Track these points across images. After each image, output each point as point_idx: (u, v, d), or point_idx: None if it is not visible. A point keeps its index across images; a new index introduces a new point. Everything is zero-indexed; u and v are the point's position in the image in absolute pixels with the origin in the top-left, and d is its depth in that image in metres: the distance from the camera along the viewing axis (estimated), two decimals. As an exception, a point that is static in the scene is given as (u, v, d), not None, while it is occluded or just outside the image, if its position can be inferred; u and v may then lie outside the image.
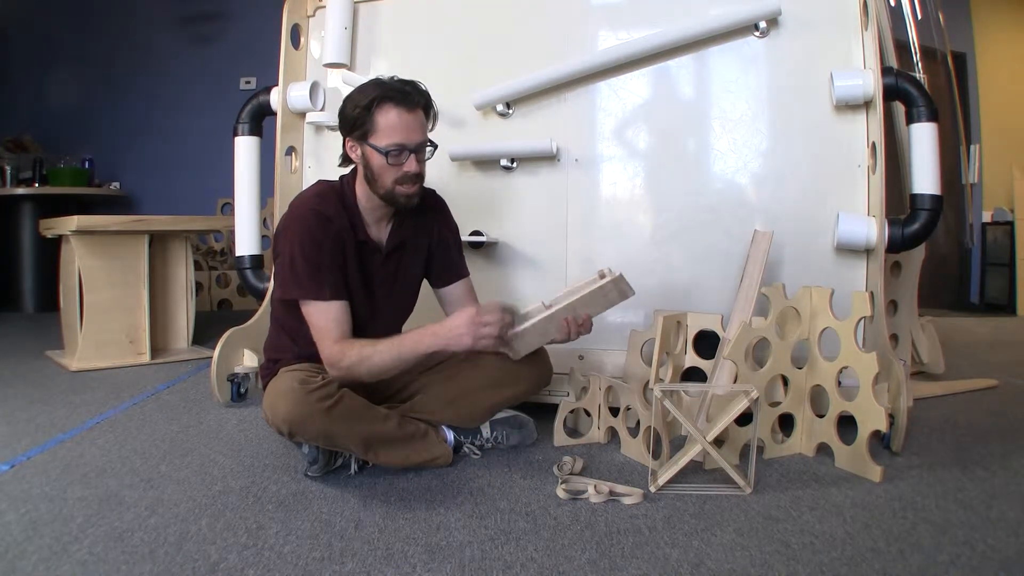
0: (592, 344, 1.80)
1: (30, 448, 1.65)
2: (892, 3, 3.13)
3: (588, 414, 1.74)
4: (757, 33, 1.87)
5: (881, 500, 1.35)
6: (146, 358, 2.70)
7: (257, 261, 2.30)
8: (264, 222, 2.90)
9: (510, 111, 2.06)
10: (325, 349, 1.43)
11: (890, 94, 1.79)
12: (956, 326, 3.83)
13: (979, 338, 3.49)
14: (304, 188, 1.83)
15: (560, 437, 1.69)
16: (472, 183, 2.11)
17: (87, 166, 4.70)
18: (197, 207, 4.12)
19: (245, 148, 2.28)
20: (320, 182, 1.59)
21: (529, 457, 1.61)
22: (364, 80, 1.56)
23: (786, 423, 1.65)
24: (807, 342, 1.62)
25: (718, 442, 1.45)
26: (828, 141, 1.84)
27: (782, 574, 1.07)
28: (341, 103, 1.50)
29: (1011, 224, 4.63)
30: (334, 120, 2.11)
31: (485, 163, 2.09)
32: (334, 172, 1.59)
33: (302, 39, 2.30)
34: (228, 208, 4.31)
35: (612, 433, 1.71)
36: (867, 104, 1.79)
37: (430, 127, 1.53)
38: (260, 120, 2.31)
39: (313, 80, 2.20)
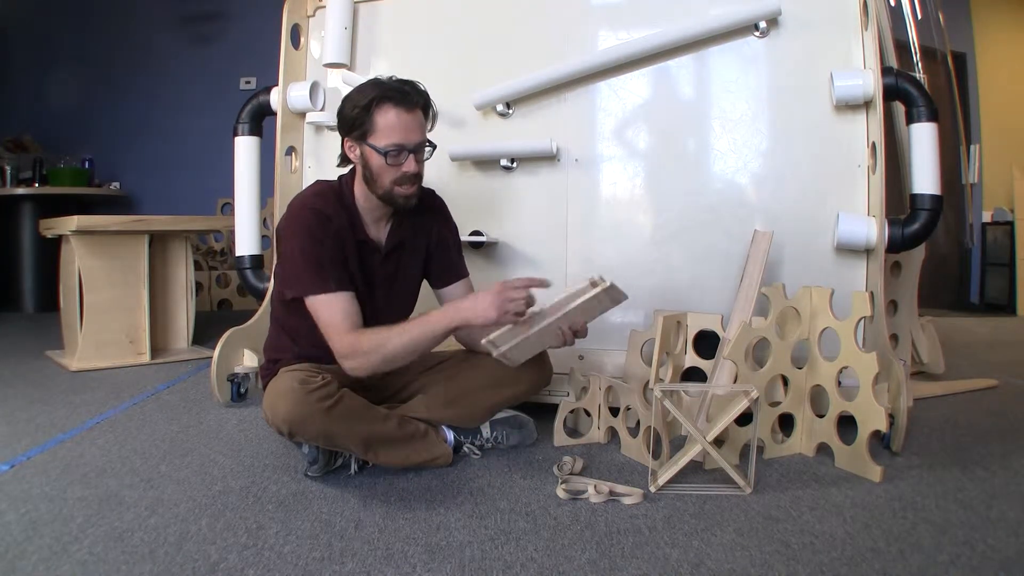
0: (592, 344, 1.80)
1: (30, 448, 1.65)
2: (892, 3, 3.13)
3: (588, 414, 1.74)
4: (757, 33, 1.87)
5: (881, 500, 1.35)
6: (146, 358, 2.70)
7: (257, 261, 2.30)
8: (264, 222, 2.90)
9: (510, 111, 2.06)
10: (338, 341, 1.41)
11: (890, 94, 1.79)
12: (956, 326, 3.83)
13: (979, 338, 3.49)
14: (303, 188, 1.83)
15: (560, 437, 1.69)
16: (472, 183, 2.11)
17: (87, 166, 4.70)
18: (197, 207, 4.12)
19: (245, 148, 2.28)
20: (318, 182, 1.59)
21: (529, 457, 1.61)
22: (364, 80, 1.56)
23: (786, 423, 1.65)
24: (807, 342, 1.62)
25: (718, 442, 1.45)
26: (828, 141, 1.84)
27: (782, 574, 1.07)
28: (340, 103, 1.50)
29: (1011, 224, 4.63)
30: (334, 120, 2.10)
31: (485, 163, 2.09)
32: (334, 172, 1.59)
33: (302, 39, 2.30)
34: (228, 208, 4.31)
35: (612, 433, 1.71)
36: (867, 104, 1.79)
37: (429, 127, 1.52)
38: (260, 120, 2.31)
39: (313, 80, 2.20)
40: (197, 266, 3.92)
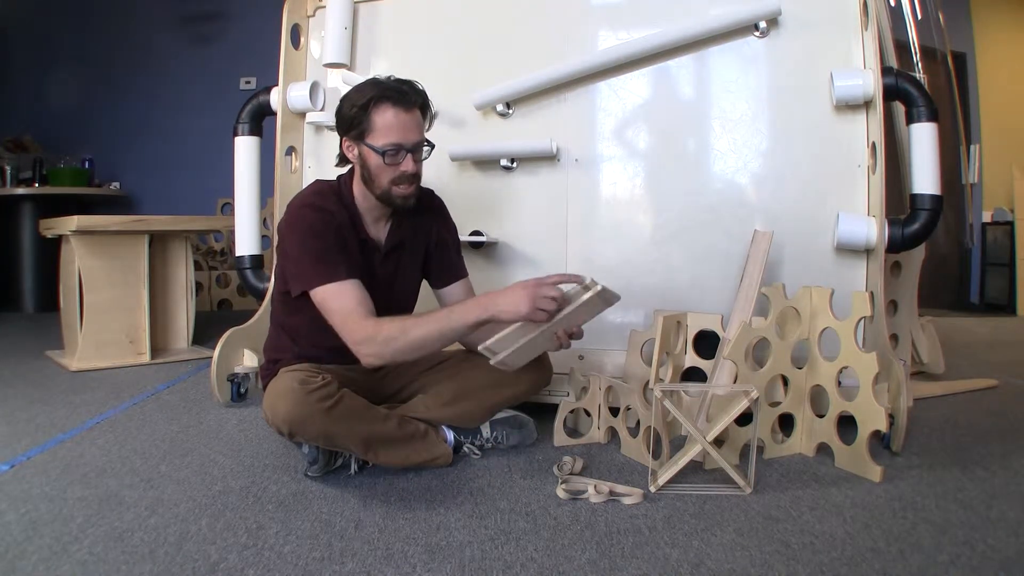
0: (592, 344, 1.80)
1: (30, 448, 1.65)
2: (892, 3, 3.13)
3: (588, 414, 1.74)
4: (757, 33, 1.87)
5: (881, 500, 1.35)
6: (146, 358, 2.70)
7: (257, 261, 2.30)
8: (264, 222, 2.90)
9: (510, 111, 2.06)
10: (353, 329, 1.37)
11: (890, 94, 1.79)
12: (956, 326, 3.83)
13: (979, 338, 3.49)
14: (302, 188, 1.83)
15: (560, 437, 1.69)
16: (472, 183, 2.11)
17: (87, 166, 4.70)
18: (197, 207, 4.12)
19: (245, 148, 2.28)
20: (317, 182, 1.59)
21: (529, 457, 1.61)
22: (364, 80, 1.56)
23: (786, 423, 1.65)
24: (807, 342, 1.62)
25: (718, 442, 1.45)
26: (828, 141, 1.84)
27: (782, 574, 1.07)
28: (338, 103, 1.50)
29: (1011, 224, 4.63)
30: (334, 120, 2.11)
31: (485, 163, 2.09)
32: (334, 172, 1.59)
33: (302, 39, 2.30)
34: (228, 208, 4.31)
35: (612, 433, 1.71)
36: (867, 104, 1.79)
37: (427, 127, 1.52)
38: (260, 120, 2.31)
39: (313, 80, 2.20)
40: (197, 266, 3.92)
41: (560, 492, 1.37)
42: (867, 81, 1.74)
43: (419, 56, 2.18)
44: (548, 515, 1.29)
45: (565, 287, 1.38)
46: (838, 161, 1.84)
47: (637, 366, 1.80)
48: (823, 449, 1.60)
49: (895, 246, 1.81)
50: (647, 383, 1.69)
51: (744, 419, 1.46)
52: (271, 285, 1.93)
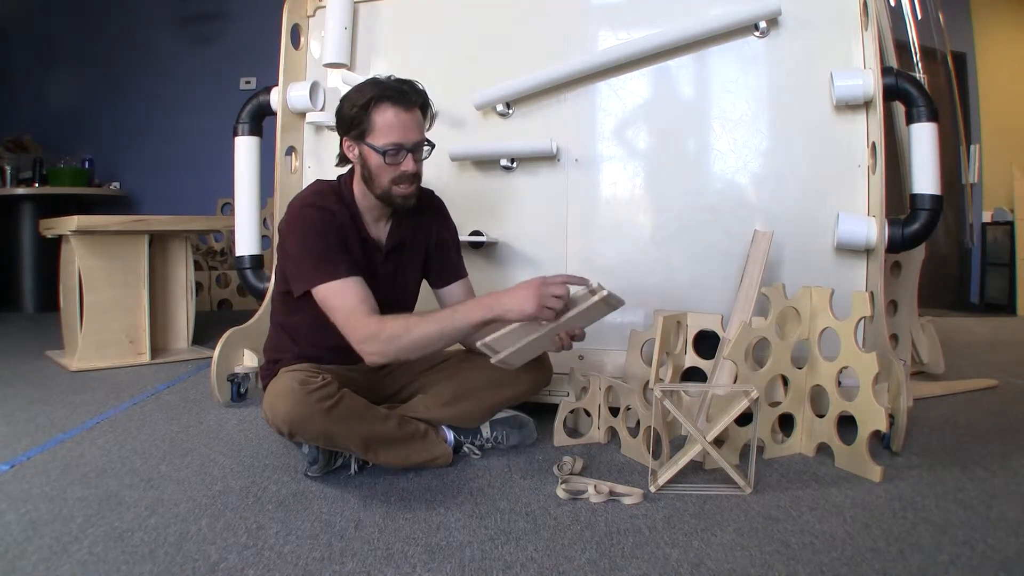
0: (592, 344, 1.80)
1: (30, 448, 1.65)
2: (892, 3, 3.13)
3: (588, 414, 1.74)
4: (757, 33, 1.87)
5: (881, 500, 1.35)
6: (146, 358, 2.70)
7: (257, 261, 2.30)
8: (264, 222, 2.90)
9: (510, 111, 2.06)
10: (357, 327, 1.37)
11: (890, 94, 1.79)
12: (956, 326, 3.83)
13: (979, 338, 3.49)
14: (302, 188, 1.83)
15: (560, 437, 1.69)
16: (472, 183, 2.11)
17: (87, 166, 4.70)
18: (197, 207, 4.12)
19: (245, 148, 2.28)
20: (317, 182, 1.59)
21: (529, 457, 1.61)
22: (363, 80, 1.56)
23: (786, 423, 1.65)
24: (807, 342, 1.62)
25: (718, 442, 1.45)
26: (828, 141, 1.84)
27: (782, 574, 1.07)
28: (339, 102, 1.50)
29: (1011, 224, 4.63)
30: (334, 120, 2.11)
31: (485, 163, 2.09)
32: (334, 172, 1.59)
33: (302, 39, 2.30)
34: (228, 208, 4.31)
35: (612, 433, 1.71)
36: (867, 104, 1.79)
37: (427, 127, 1.52)
38: (260, 120, 2.31)
39: (313, 80, 2.20)
40: (197, 266, 3.92)
41: (560, 492, 1.37)
42: (867, 81, 1.74)
43: (419, 56, 2.18)
44: (548, 515, 1.29)
45: (572, 289, 1.38)
46: (838, 161, 1.84)
47: (637, 366, 1.80)
48: (823, 449, 1.60)
49: (895, 246, 1.81)
50: (647, 383, 1.69)
51: (744, 419, 1.46)
52: (271, 285, 1.93)
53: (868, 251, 1.80)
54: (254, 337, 2.12)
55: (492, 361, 1.42)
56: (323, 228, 1.44)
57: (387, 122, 1.43)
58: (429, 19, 2.18)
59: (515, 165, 2.06)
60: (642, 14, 1.98)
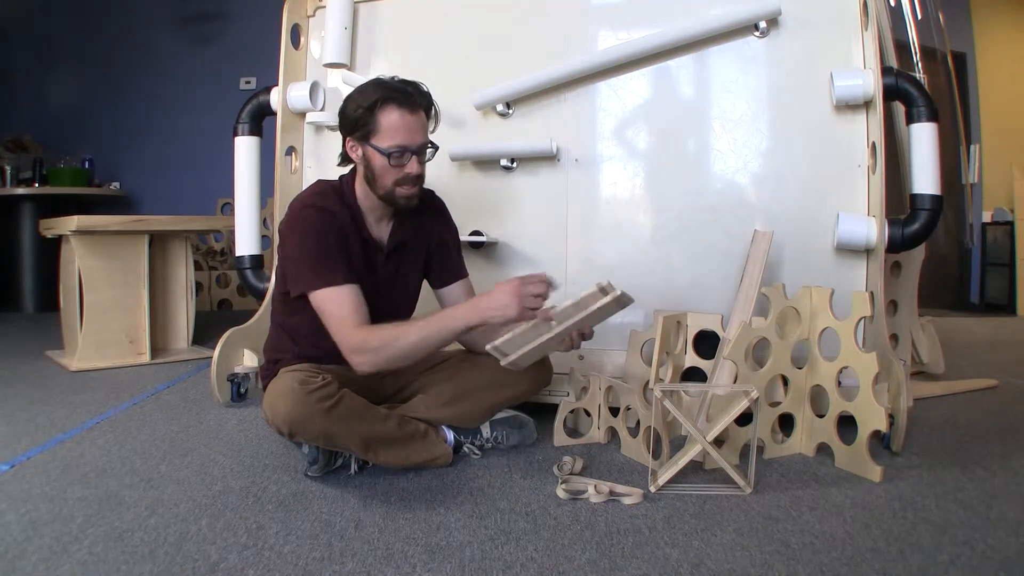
0: (592, 344, 1.79)
1: (30, 448, 1.65)
2: (892, 3, 3.13)
3: (588, 414, 1.74)
4: (757, 33, 1.87)
5: (881, 500, 1.35)
6: (146, 358, 2.70)
7: (257, 261, 2.30)
8: (264, 222, 2.90)
9: (510, 111, 2.06)
10: (346, 336, 1.39)
11: (890, 94, 1.79)
12: (956, 326, 3.83)
13: (979, 338, 3.49)
14: (304, 188, 1.83)
15: (560, 437, 1.69)
16: (472, 183, 2.11)
17: (87, 166, 4.70)
18: (197, 207, 4.12)
19: (245, 148, 2.28)
20: (319, 182, 1.59)
21: (529, 457, 1.61)
22: (364, 80, 1.56)
23: (786, 423, 1.65)
24: (807, 342, 1.62)
25: (718, 442, 1.45)
26: (828, 141, 1.84)
27: (782, 574, 1.07)
28: (342, 103, 1.50)
29: (1011, 224, 4.63)
30: (334, 120, 2.10)
31: (485, 163, 2.09)
32: (334, 172, 1.59)
33: (302, 39, 2.30)
34: (228, 208, 4.31)
35: (612, 433, 1.71)
36: (867, 104, 1.79)
37: (431, 128, 1.53)
38: (260, 120, 2.31)
39: (313, 80, 2.20)
40: (197, 266, 3.92)
41: (560, 492, 1.37)
42: (867, 81, 1.74)
43: (419, 56, 2.18)
44: (548, 515, 1.29)
45: (582, 293, 1.38)
46: (838, 161, 1.84)
47: (637, 366, 1.80)
48: (823, 449, 1.60)
49: (895, 246, 1.81)
50: (647, 383, 1.69)
51: (744, 419, 1.46)
52: (271, 285, 1.93)
53: (868, 251, 1.80)
54: (254, 337, 2.12)
55: (502, 363, 1.42)
56: (323, 230, 1.44)
57: (392, 124, 1.43)
58: (429, 19, 2.18)
59: (515, 165, 2.06)
60: (642, 14, 1.98)
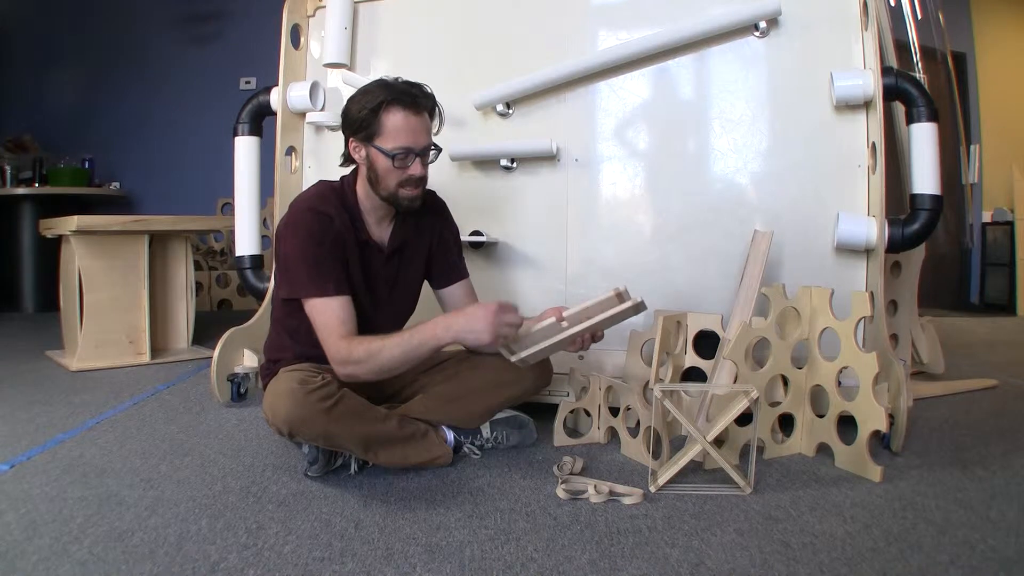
0: (593, 344, 1.80)
1: (30, 448, 1.65)
2: (892, 3, 3.13)
3: (588, 414, 1.74)
4: (757, 33, 1.87)
5: (881, 500, 1.35)
6: (146, 358, 2.70)
7: (257, 261, 2.30)
8: (264, 222, 2.90)
9: (510, 111, 2.06)
10: (331, 346, 1.40)
11: (890, 94, 1.79)
12: (956, 326, 3.83)
13: (979, 338, 3.50)
14: (304, 188, 1.83)
15: (560, 437, 1.69)
16: (472, 183, 2.11)
17: (87, 166, 4.70)
18: (197, 207, 4.12)
19: (245, 148, 2.28)
20: (320, 183, 1.59)
21: (529, 457, 1.61)
22: (364, 80, 1.56)
23: (786, 423, 1.65)
24: (807, 342, 1.62)
25: (718, 442, 1.45)
26: (828, 141, 1.84)
27: (782, 574, 1.07)
28: (346, 103, 1.50)
29: (1011, 224, 4.63)
30: (334, 120, 2.11)
31: (485, 163, 2.09)
32: (334, 172, 1.59)
33: (302, 39, 2.30)
34: (228, 208, 4.31)
35: (612, 433, 1.71)
36: (867, 104, 1.79)
37: (435, 130, 1.53)
38: (260, 120, 2.31)
39: (313, 80, 2.20)
40: (197, 266, 3.92)
41: (560, 492, 1.37)
42: (867, 81, 1.74)
43: (419, 56, 2.18)
44: (548, 515, 1.29)
45: (597, 296, 1.38)
46: (838, 161, 1.83)
47: (637, 366, 1.80)
48: (823, 449, 1.60)
49: (895, 246, 1.81)
50: (647, 383, 1.69)
51: (744, 419, 1.46)
52: (271, 285, 1.93)
53: (868, 251, 1.80)
54: (254, 337, 2.12)
55: (512, 360, 1.43)
56: (320, 236, 1.44)
57: (397, 126, 1.43)
58: (429, 19, 2.18)
59: (515, 165, 2.06)
60: (642, 14, 1.98)
